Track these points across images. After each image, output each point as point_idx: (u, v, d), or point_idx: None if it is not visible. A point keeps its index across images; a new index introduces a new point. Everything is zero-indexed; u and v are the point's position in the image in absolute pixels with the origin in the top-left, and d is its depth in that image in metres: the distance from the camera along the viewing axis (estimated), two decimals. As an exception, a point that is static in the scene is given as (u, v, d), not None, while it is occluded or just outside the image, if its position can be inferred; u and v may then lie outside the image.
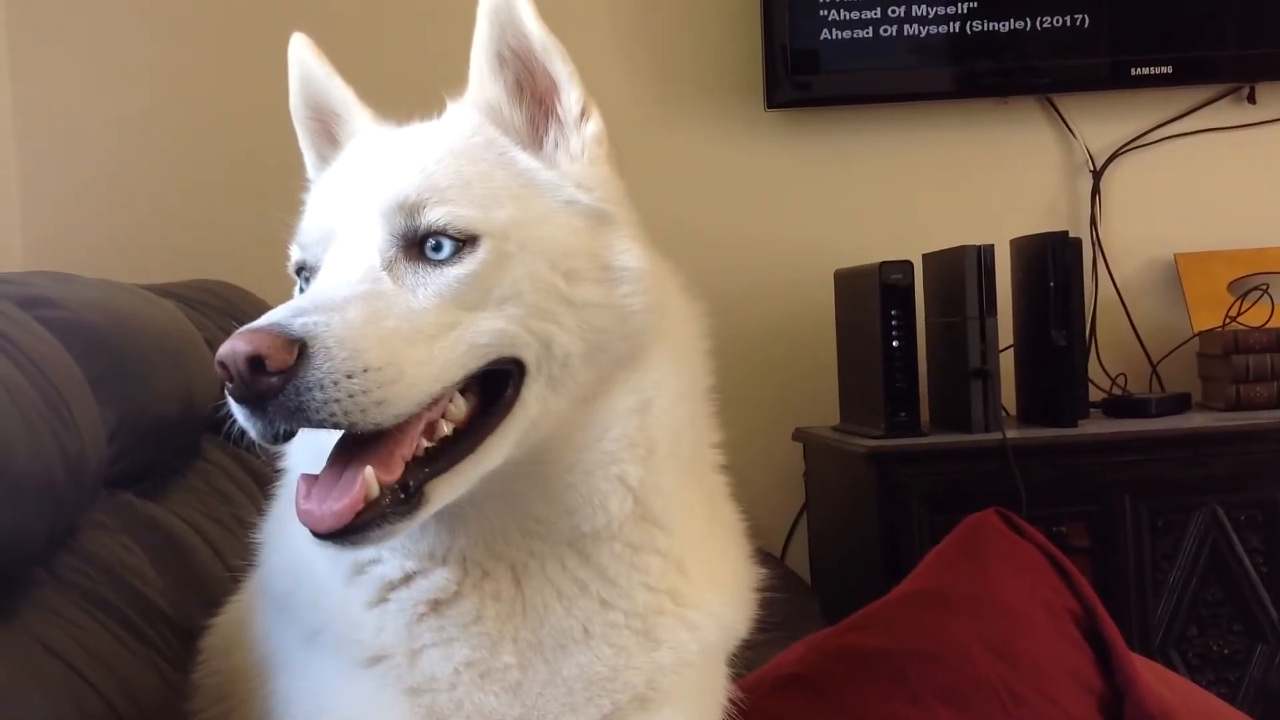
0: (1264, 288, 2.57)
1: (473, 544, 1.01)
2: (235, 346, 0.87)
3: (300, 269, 1.02)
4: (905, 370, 2.34)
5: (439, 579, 1.01)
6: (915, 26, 2.65)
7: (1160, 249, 2.75)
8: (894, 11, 2.64)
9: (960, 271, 2.34)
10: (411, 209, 0.96)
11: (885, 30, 2.65)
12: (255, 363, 0.86)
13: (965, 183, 2.76)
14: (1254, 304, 2.55)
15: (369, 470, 0.90)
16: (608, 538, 1.02)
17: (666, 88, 2.72)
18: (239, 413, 0.90)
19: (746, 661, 1.17)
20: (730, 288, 2.74)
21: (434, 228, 0.96)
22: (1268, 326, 2.51)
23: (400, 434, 0.92)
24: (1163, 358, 2.70)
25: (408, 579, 1.01)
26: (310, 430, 0.90)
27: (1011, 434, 2.29)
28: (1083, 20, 2.66)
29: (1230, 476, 2.32)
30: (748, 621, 1.12)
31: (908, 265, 2.35)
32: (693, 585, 1.06)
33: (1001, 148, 2.77)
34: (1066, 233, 2.46)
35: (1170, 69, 2.68)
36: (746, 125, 2.72)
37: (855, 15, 2.64)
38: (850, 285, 2.50)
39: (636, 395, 1.02)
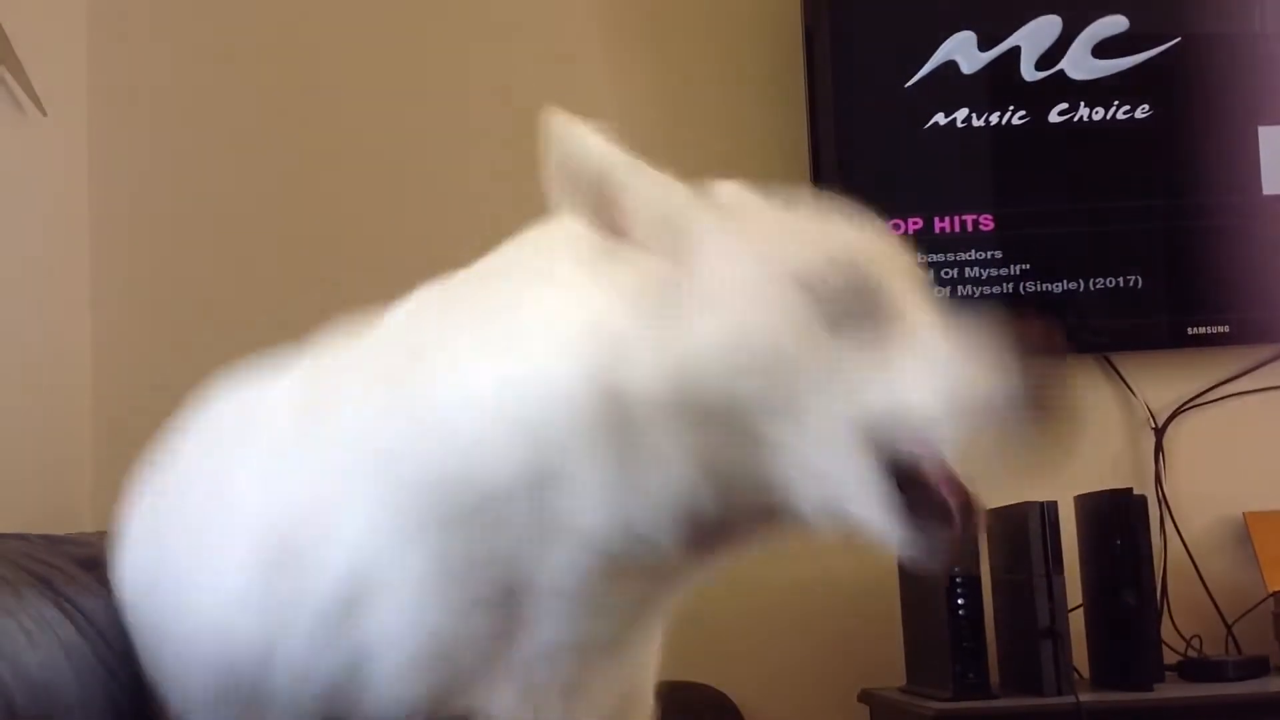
0: (1338, 547, 2.52)
1: None
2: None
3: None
4: (972, 629, 2.28)
5: None
6: (969, 287, 2.71)
7: (1228, 507, 2.71)
8: (947, 274, 2.70)
9: (1024, 528, 2.31)
10: None
11: (938, 291, 2.69)
12: None
13: (1026, 439, 2.75)
14: (1329, 563, 2.49)
15: None
16: None
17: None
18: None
19: None
20: (791, 545, 2.73)
21: None
22: (1345, 588, 2.44)
23: None
24: (1237, 619, 2.63)
25: None
26: None
27: (1085, 697, 2.22)
28: (1135, 281, 2.70)
29: (1317, 743, 2.23)
30: None
31: (970, 522, 2.32)
32: None
33: (1061, 404, 2.76)
34: (1131, 490, 2.43)
35: (1227, 328, 2.70)
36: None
37: (910, 278, 2.69)
38: (913, 543, 2.47)
39: None
